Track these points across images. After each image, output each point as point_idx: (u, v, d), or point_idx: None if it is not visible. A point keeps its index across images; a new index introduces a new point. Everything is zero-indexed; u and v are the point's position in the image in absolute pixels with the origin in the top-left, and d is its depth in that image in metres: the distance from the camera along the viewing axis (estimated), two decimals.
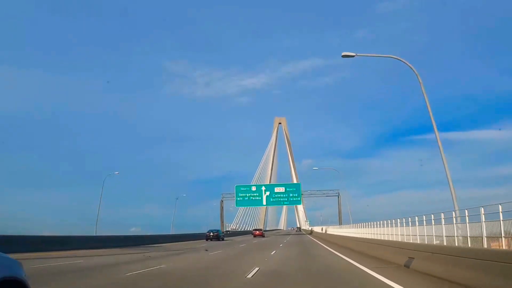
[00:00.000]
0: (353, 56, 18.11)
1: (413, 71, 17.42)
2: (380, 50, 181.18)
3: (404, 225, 18.33)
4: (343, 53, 18.48)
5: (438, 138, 16.61)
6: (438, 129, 18.04)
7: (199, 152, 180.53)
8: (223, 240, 49.76)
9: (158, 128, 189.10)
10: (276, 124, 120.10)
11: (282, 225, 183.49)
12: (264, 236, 61.38)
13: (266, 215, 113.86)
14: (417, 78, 17.11)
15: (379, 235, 24.26)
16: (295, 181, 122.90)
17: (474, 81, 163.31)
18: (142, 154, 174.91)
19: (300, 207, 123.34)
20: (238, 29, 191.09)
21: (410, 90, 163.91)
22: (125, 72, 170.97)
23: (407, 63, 17.58)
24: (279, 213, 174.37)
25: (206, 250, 26.37)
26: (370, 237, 26.15)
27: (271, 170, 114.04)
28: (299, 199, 70.22)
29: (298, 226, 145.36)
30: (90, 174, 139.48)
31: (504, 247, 9.34)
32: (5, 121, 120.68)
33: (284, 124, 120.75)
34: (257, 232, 63.88)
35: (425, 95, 16.98)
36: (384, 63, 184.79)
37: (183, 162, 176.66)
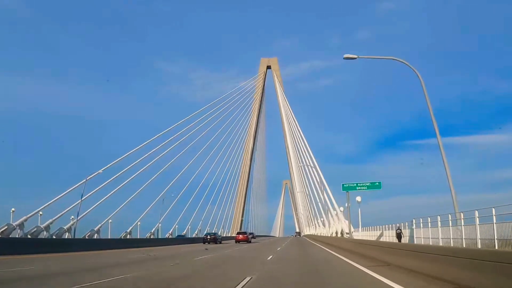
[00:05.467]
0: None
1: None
2: (380, 51, 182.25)
3: None
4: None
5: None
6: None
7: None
8: (220, 243, 48.61)
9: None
10: (262, 69, 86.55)
11: (277, 232, 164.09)
12: (250, 242, 53.12)
13: (244, 216, 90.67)
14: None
15: None
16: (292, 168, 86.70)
17: (473, 84, 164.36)
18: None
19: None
20: (237, 31, 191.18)
21: (409, 95, 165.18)
22: (121, 73, 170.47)
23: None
24: (271, 218, 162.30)
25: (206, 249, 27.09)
26: None
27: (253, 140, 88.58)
28: None
29: (298, 230, 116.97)
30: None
31: None
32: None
33: (275, 67, 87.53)
34: (241, 236, 53.78)
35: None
36: (384, 66, 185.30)
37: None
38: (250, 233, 70.97)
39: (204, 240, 48.51)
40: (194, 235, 63.32)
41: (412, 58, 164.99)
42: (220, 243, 49.38)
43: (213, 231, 60.27)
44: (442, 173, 16.99)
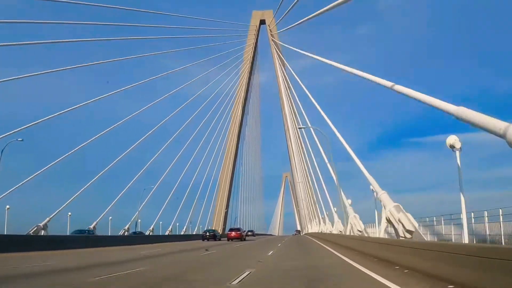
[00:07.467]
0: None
1: None
2: (380, 47, 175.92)
3: None
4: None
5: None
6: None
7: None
8: (219, 240, 47.86)
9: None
10: (254, 22, 65.69)
11: (276, 230, 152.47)
12: (244, 240, 47.21)
13: (231, 209, 74.96)
14: None
15: None
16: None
17: (472, 82, 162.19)
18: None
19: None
20: (234, 29, 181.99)
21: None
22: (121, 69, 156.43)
23: None
24: (269, 216, 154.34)
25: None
26: None
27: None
28: None
29: (299, 229, 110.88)
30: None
31: None
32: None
33: (270, 22, 64.00)
34: (233, 233, 48.16)
35: None
36: (384, 64, 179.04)
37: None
38: (250, 231, 69.20)
39: (203, 237, 48.04)
40: (182, 232, 56.41)
41: (411, 55, 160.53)
42: (220, 239, 48.70)
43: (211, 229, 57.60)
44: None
